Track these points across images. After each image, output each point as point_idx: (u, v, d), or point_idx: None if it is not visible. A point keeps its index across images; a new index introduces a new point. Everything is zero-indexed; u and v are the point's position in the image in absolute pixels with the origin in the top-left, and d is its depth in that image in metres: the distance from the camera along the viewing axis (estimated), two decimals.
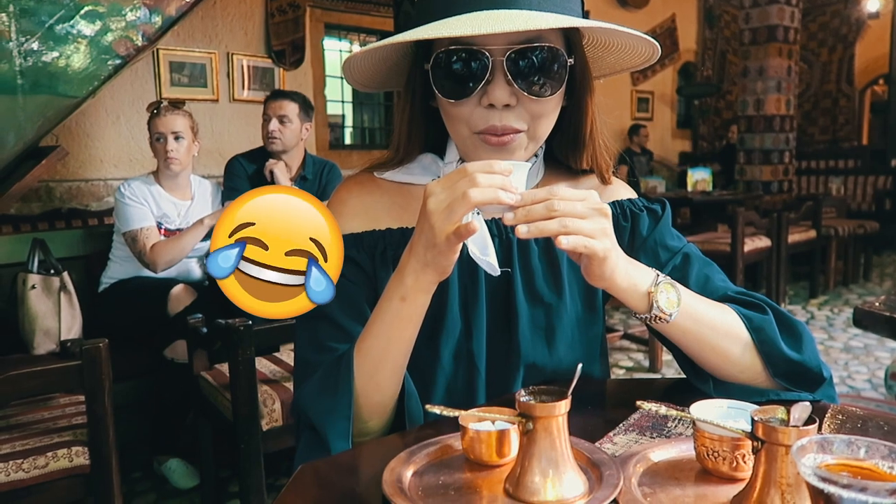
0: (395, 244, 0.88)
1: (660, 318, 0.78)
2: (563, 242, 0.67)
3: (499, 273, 0.83)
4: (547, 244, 0.92)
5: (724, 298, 0.87)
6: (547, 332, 0.91)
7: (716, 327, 0.81)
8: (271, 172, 2.76)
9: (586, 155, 0.90)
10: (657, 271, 0.80)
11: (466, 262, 0.85)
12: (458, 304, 0.89)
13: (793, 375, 0.83)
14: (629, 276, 0.76)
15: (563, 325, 0.91)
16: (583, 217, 0.68)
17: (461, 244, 0.70)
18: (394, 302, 0.76)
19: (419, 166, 0.92)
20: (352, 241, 0.87)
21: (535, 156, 0.90)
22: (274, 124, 2.78)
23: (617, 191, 0.97)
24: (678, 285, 0.80)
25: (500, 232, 0.91)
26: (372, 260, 0.89)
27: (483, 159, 0.81)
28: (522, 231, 0.66)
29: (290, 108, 2.80)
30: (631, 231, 0.94)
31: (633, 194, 0.98)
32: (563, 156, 0.93)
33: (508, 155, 0.82)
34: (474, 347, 0.88)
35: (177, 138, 2.54)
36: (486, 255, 0.81)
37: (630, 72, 0.96)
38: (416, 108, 0.87)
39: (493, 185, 0.66)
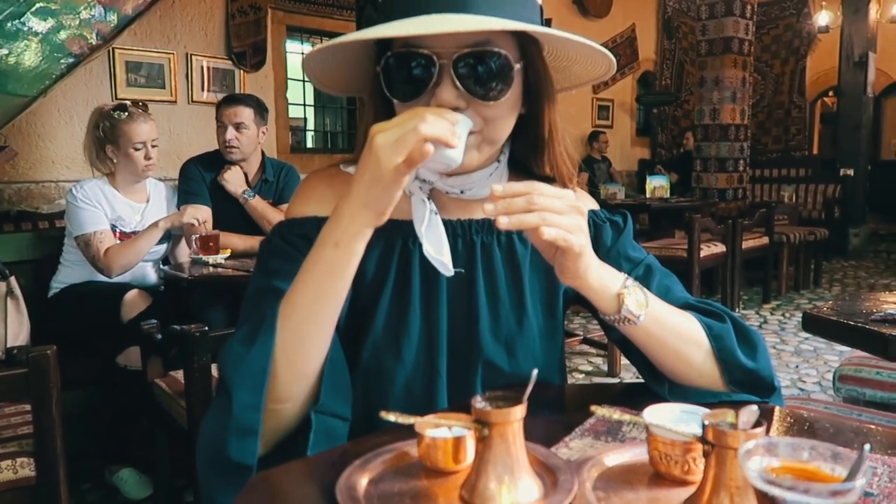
0: None
1: (628, 320, 0.79)
2: (545, 233, 0.68)
3: (452, 273, 0.84)
4: (510, 249, 0.92)
5: (684, 306, 0.88)
6: (507, 335, 0.91)
7: (679, 333, 0.83)
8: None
9: (546, 158, 0.91)
10: (626, 274, 0.82)
11: (427, 262, 0.85)
12: (420, 306, 0.88)
13: (746, 383, 0.85)
14: (600, 277, 0.78)
15: (523, 330, 0.92)
16: (561, 213, 0.70)
17: (405, 180, 0.69)
18: (327, 249, 0.74)
19: None
20: (315, 225, 0.84)
21: (498, 161, 0.90)
22: (230, 133, 2.69)
23: (579, 201, 0.98)
24: (645, 289, 0.82)
25: (463, 232, 0.91)
26: None
27: (436, 159, 0.83)
28: (503, 222, 0.67)
29: (246, 114, 2.71)
30: (594, 242, 0.93)
31: (595, 205, 0.99)
32: (525, 159, 0.93)
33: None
34: (435, 349, 0.88)
35: (153, 145, 2.50)
36: (440, 255, 0.82)
37: (593, 83, 0.98)
38: (379, 108, 0.87)
39: (444, 125, 0.68)
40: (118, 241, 2.45)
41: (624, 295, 0.79)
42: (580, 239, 0.72)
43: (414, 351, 0.88)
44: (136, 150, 2.46)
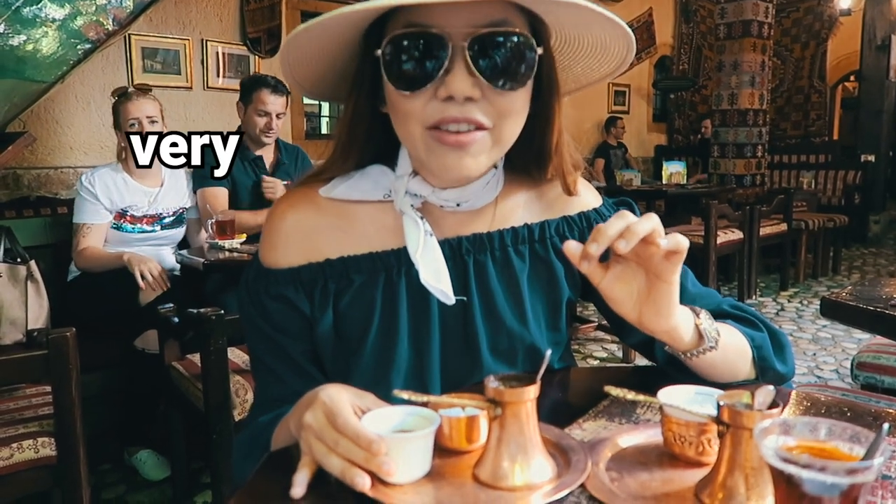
0: (337, 277, 0.81)
1: (707, 350, 0.75)
2: (662, 243, 0.63)
3: (453, 302, 0.78)
4: (506, 264, 0.85)
5: (717, 313, 0.84)
6: (510, 356, 0.85)
7: (735, 352, 0.80)
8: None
9: (551, 168, 0.83)
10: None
11: (417, 289, 0.79)
12: (408, 336, 0.82)
13: (773, 382, 0.84)
14: (682, 309, 0.72)
15: (528, 348, 0.85)
16: (643, 223, 0.64)
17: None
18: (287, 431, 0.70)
19: (367, 179, 0.82)
20: (288, 278, 0.80)
21: (495, 167, 0.81)
22: (274, 122, 2.80)
23: (582, 199, 0.90)
24: (707, 312, 0.77)
25: (453, 254, 0.83)
26: (311, 300, 0.81)
27: (438, 163, 0.74)
28: (622, 247, 0.63)
29: (285, 103, 2.83)
30: None
31: (598, 200, 0.92)
32: (525, 168, 0.85)
33: (469, 158, 0.73)
34: (426, 379, 0.82)
35: (151, 122, 2.50)
36: (438, 283, 0.77)
37: (599, 83, 0.88)
38: (362, 107, 0.78)
39: (348, 459, 0.58)
40: (114, 229, 2.52)
41: (700, 323, 0.74)
42: (684, 239, 0.65)
43: (402, 382, 0.81)
44: (132, 126, 2.47)
